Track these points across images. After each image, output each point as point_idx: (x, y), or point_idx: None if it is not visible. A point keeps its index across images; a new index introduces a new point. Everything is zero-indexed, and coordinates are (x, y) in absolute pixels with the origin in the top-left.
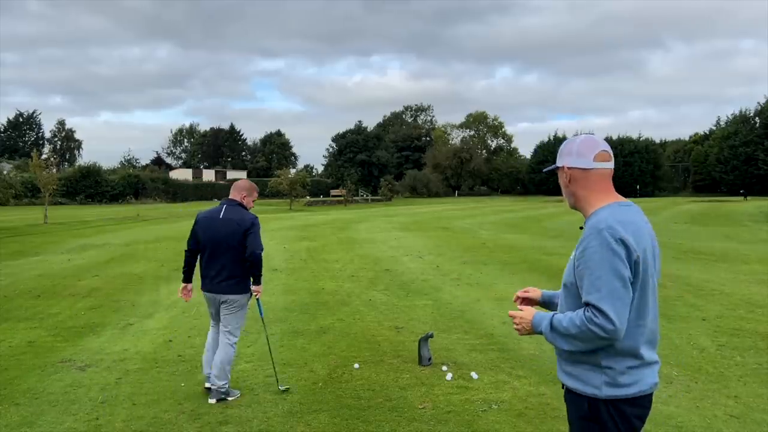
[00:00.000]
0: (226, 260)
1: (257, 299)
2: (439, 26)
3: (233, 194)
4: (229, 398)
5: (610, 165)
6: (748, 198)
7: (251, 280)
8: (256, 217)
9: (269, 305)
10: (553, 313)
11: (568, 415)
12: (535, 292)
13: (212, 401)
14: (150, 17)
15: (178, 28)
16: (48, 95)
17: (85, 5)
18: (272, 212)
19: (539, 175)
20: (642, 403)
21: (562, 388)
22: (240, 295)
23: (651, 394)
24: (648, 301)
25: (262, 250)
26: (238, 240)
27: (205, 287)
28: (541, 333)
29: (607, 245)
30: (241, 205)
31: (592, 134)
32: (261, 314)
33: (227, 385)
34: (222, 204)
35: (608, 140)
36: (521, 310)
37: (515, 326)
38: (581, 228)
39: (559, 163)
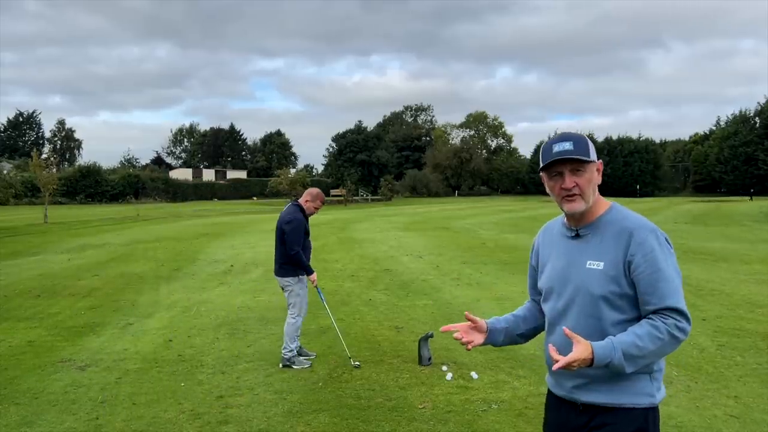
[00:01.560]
0: (277, 248)
1: (316, 287)
2: (438, 26)
3: (302, 197)
4: (294, 366)
5: None
6: (754, 198)
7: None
8: (295, 219)
9: (269, 305)
10: (611, 338)
11: None
12: (480, 324)
13: (280, 365)
14: (149, 17)
15: (177, 28)
16: (47, 95)
17: (83, 5)
18: (272, 212)
19: (539, 175)
20: None
21: (579, 408)
22: (285, 278)
23: None
24: None
25: (293, 252)
26: (281, 234)
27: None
28: (604, 365)
29: (666, 244)
30: (299, 206)
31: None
32: (322, 300)
33: (289, 354)
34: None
35: (608, 140)
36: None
37: (572, 368)
38: (578, 234)
39: (592, 157)
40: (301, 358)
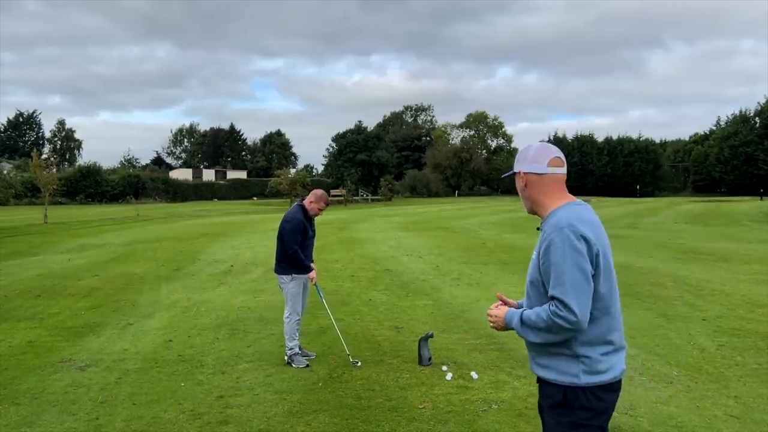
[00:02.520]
0: (277, 246)
1: (315, 286)
2: (438, 26)
3: (306, 197)
4: (293, 365)
5: (563, 170)
6: (764, 198)
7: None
8: (294, 218)
9: (269, 305)
10: (522, 309)
11: (541, 405)
12: (511, 302)
13: (286, 361)
14: (148, 17)
15: (176, 28)
16: (47, 95)
17: (82, 5)
18: (272, 212)
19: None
20: (616, 387)
21: (537, 381)
22: (280, 276)
23: (621, 380)
24: (614, 290)
25: (291, 251)
26: (280, 232)
27: None
28: (512, 329)
29: (569, 242)
30: (303, 207)
31: (547, 141)
32: (322, 299)
33: (290, 352)
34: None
35: (608, 140)
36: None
37: (491, 323)
38: (538, 229)
39: (515, 168)
40: (301, 357)
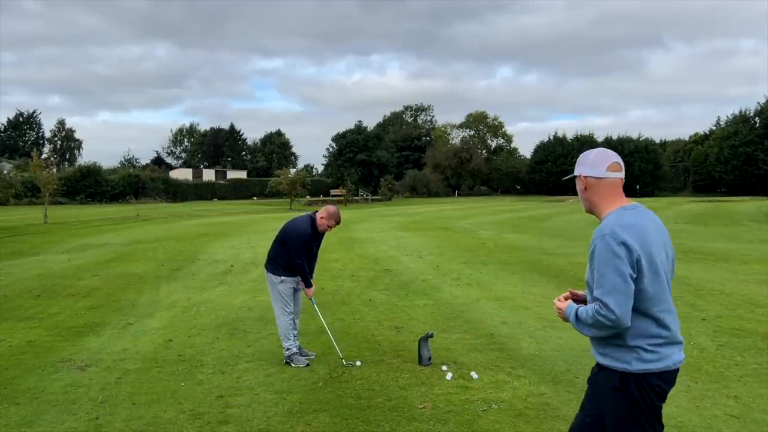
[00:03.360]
0: (273, 245)
1: (311, 300)
2: (437, 25)
3: (319, 211)
4: (292, 365)
5: (621, 175)
6: None
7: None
8: (302, 232)
9: (269, 305)
10: (579, 305)
11: (598, 390)
12: (580, 294)
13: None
14: (147, 16)
15: (176, 28)
16: (46, 95)
17: (81, 5)
18: (272, 212)
19: (539, 175)
20: (667, 377)
21: (595, 367)
22: (270, 274)
23: (676, 371)
24: (664, 289)
25: (299, 262)
26: (284, 237)
27: None
28: (569, 320)
29: (609, 248)
30: (313, 220)
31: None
32: (316, 310)
33: (287, 353)
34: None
35: (608, 140)
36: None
37: (557, 313)
38: None
39: (576, 171)
40: (300, 357)
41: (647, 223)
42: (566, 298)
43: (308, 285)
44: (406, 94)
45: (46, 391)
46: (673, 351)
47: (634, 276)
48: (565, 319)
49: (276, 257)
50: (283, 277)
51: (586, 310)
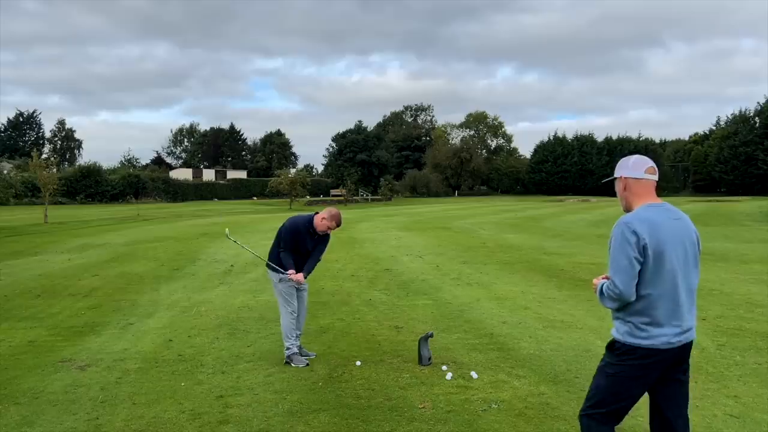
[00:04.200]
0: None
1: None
2: (438, 25)
3: (321, 212)
4: (292, 364)
5: (655, 177)
6: None
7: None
8: (294, 224)
9: (269, 305)
10: (606, 281)
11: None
12: None
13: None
14: (147, 16)
15: (175, 27)
16: (46, 94)
17: (81, 4)
18: (272, 212)
19: (539, 175)
20: (654, 354)
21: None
22: (270, 272)
23: (666, 351)
24: (664, 278)
25: (279, 250)
26: (280, 230)
27: None
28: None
29: (622, 235)
30: (312, 218)
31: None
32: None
33: (288, 352)
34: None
35: (608, 140)
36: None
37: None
38: None
39: (617, 173)
40: (300, 357)
41: (665, 219)
42: (604, 278)
43: (284, 270)
44: (406, 94)
45: (47, 391)
46: (662, 333)
47: (641, 260)
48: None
49: (271, 255)
50: (281, 275)
51: (605, 286)
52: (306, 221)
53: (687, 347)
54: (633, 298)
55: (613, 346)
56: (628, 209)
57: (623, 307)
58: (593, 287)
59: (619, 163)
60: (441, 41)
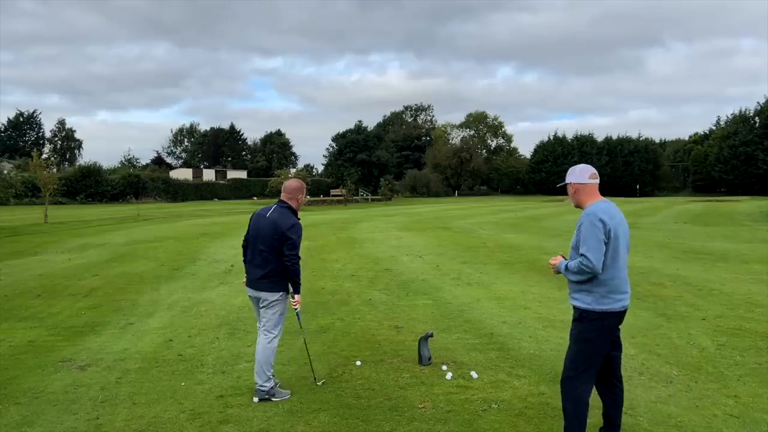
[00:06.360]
0: (261, 259)
1: (296, 311)
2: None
3: (282, 195)
4: (274, 399)
5: (597, 181)
6: None
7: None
8: (297, 223)
9: None
10: (567, 260)
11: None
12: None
13: (255, 400)
14: (146, 16)
15: (175, 27)
16: (45, 94)
17: (79, 4)
18: None
19: (539, 175)
20: (613, 315)
21: (573, 308)
22: (275, 293)
23: (622, 312)
24: (619, 255)
25: (297, 259)
26: (276, 241)
27: (247, 284)
28: (561, 272)
29: (592, 222)
30: (290, 207)
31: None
32: (299, 323)
33: (269, 385)
34: (275, 204)
35: (608, 140)
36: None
37: (551, 268)
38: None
39: (567, 180)
40: (280, 389)
41: (615, 211)
42: (561, 256)
43: (298, 290)
44: (406, 93)
45: (47, 391)
46: (619, 299)
47: (606, 241)
48: (557, 272)
49: (275, 272)
50: (293, 298)
51: (574, 263)
52: (293, 214)
53: (627, 310)
54: (601, 271)
55: (581, 317)
56: (579, 206)
57: (588, 281)
58: (551, 267)
59: (568, 171)
60: (440, 41)
